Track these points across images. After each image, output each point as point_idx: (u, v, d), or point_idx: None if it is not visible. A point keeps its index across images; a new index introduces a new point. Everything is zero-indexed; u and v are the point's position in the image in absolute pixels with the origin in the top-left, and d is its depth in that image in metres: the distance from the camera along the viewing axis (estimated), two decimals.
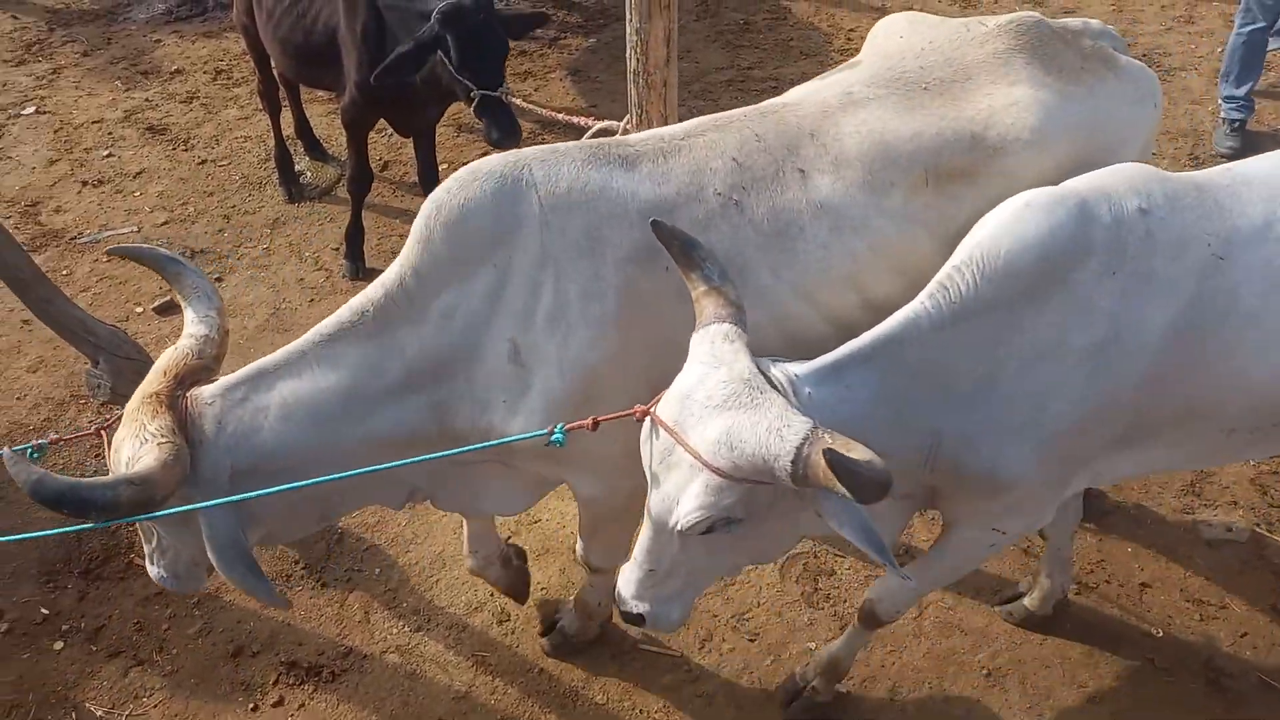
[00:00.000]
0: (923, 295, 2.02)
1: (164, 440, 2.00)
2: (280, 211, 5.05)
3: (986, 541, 2.40)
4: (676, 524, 1.86)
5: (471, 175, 2.21)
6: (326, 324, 2.22)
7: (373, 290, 2.22)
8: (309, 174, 5.32)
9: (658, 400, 1.92)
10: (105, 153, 5.47)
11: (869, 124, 2.36)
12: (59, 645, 3.17)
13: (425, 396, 2.25)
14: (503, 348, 2.21)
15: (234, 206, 5.10)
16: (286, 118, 5.21)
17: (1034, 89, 2.39)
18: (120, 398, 3.56)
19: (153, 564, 2.40)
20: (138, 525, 2.34)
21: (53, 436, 2.14)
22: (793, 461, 1.69)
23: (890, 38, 2.63)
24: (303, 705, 3.00)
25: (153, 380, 2.17)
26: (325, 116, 5.70)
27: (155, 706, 3.01)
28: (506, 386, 2.23)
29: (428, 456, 2.08)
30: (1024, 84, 2.41)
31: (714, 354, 1.89)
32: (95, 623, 3.22)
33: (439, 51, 3.63)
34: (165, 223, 4.98)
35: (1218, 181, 2.20)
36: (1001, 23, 2.54)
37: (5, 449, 1.98)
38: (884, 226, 2.30)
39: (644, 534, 2.01)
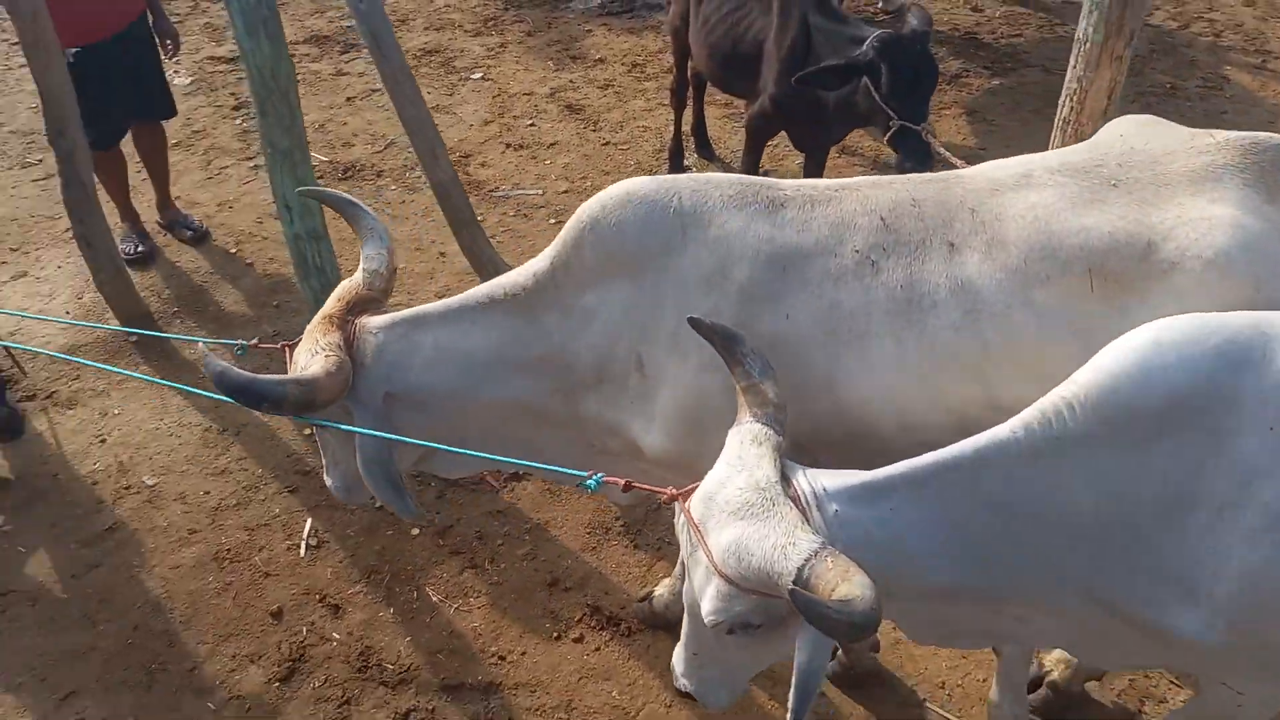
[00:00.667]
0: (1013, 422, 1.80)
1: (330, 354, 2.29)
2: None
3: (1230, 701, 2.07)
4: (703, 619, 1.85)
5: (626, 196, 2.31)
6: (483, 290, 2.43)
7: (524, 273, 2.41)
8: (695, 170, 5.66)
9: (692, 489, 1.90)
10: (529, 122, 6.17)
11: (1037, 210, 2.16)
12: (415, 531, 3.67)
13: (559, 380, 2.41)
14: (631, 357, 2.31)
15: None
16: (686, 116, 5.56)
17: (1239, 211, 2.06)
18: None
19: (329, 475, 2.69)
20: (318, 440, 2.71)
21: (253, 340, 2.53)
22: (794, 581, 1.64)
23: (1111, 134, 2.37)
24: (598, 649, 3.24)
25: (330, 304, 2.48)
26: (719, 120, 6.03)
27: (479, 608, 3.40)
28: (633, 393, 2.34)
29: (467, 452, 2.32)
30: (1228, 204, 2.08)
31: (740, 455, 1.86)
32: (446, 521, 3.68)
33: (865, 77, 3.71)
34: (565, 191, 5.53)
35: None
36: (1233, 137, 2.21)
37: (202, 343, 2.40)
38: (1026, 322, 2.10)
39: (685, 617, 2.01)
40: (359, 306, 2.49)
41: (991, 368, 2.13)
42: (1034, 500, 1.80)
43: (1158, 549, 1.81)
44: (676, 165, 5.51)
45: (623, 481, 2.05)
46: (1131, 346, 1.80)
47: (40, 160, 5.79)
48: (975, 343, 2.13)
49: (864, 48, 3.70)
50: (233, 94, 6.47)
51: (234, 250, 5.17)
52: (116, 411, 4.21)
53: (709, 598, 1.81)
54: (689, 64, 5.15)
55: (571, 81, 6.56)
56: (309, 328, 2.45)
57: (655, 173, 5.60)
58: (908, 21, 3.79)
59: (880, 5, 7.38)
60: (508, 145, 5.96)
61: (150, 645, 3.31)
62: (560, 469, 2.20)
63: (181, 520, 3.73)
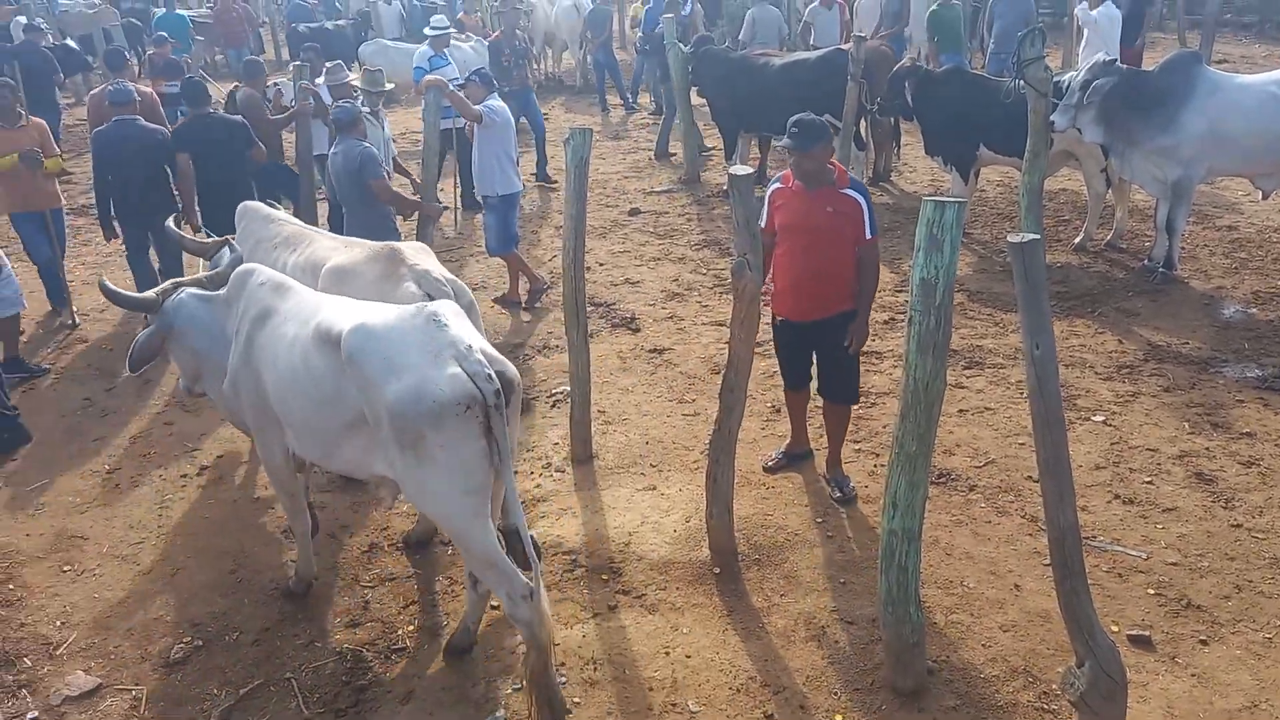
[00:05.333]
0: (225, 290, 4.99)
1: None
2: None
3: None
4: None
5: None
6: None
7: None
8: None
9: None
10: (1146, 479, 5.75)
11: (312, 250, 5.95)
12: None
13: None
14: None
15: (1251, 575, 4.82)
16: None
17: (331, 247, 5.93)
18: None
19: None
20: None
21: None
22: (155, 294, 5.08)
23: None
24: None
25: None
26: None
27: None
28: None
29: None
30: (337, 249, 5.88)
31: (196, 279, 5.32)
32: None
33: None
34: (1174, 564, 4.99)
35: (319, 294, 4.89)
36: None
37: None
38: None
39: None
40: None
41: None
42: (220, 322, 4.90)
43: (227, 354, 4.80)
44: None
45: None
46: (238, 270, 4.96)
47: (692, 400, 6.99)
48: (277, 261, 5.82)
49: None
50: None
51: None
52: (686, 630, 4.69)
53: None
54: None
55: (1208, 449, 6.00)
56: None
57: None
58: None
59: None
60: (1116, 496, 5.61)
61: None
62: None
63: None
